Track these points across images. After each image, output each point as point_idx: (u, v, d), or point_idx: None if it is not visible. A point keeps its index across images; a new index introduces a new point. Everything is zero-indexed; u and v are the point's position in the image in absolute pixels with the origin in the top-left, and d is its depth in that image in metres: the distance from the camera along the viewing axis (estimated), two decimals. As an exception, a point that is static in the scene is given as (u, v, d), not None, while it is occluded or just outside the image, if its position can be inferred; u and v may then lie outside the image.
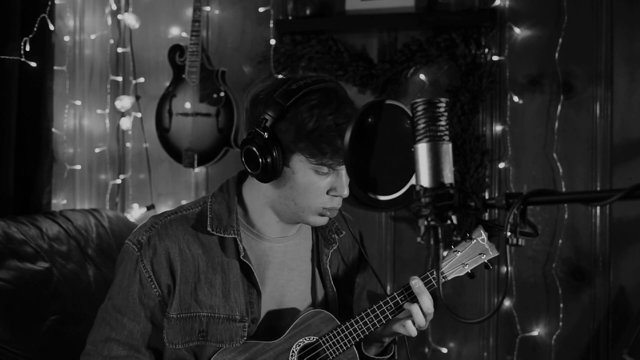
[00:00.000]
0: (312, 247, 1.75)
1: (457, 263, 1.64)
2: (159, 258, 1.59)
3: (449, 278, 1.64)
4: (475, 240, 1.63)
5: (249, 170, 1.56)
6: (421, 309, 1.60)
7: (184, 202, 2.45)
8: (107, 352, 1.59)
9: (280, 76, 2.85)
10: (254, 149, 1.52)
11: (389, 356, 1.75)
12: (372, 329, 1.64)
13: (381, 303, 1.63)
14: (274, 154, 1.51)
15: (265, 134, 1.51)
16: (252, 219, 1.66)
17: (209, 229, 1.61)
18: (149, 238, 1.60)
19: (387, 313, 1.63)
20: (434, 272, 1.64)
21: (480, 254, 1.63)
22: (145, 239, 1.60)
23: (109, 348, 1.59)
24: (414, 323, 1.61)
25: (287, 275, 1.69)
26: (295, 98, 1.50)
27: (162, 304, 1.60)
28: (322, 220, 1.61)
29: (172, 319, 1.59)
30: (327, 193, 1.56)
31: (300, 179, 1.54)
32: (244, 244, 1.62)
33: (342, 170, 1.55)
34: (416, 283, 1.60)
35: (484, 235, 1.63)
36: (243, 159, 1.56)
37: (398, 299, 1.63)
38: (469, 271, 1.64)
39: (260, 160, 1.52)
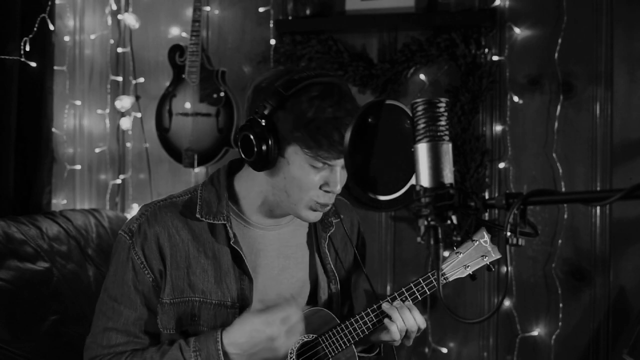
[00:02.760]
0: (309, 232, 1.75)
1: (458, 264, 1.63)
2: (150, 243, 1.60)
3: (450, 279, 1.64)
4: (477, 242, 1.63)
5: (244, 157, 1.55)
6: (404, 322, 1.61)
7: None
8: (106, 342, 1.60)
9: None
10: (251, 136, 1.51)
11: (374, 353, 1.76)
12: (372, 328, 1.64)
13: (381, 302, 1.64)
14: (270, 142, 1.51)
15: (263, 121, 1.51)
16: (244, 207, 1.65)
17: (197, 215, 1.61)
18: (140, 225, 1.61)
19: (387, 313, 1.63)
20: (435, 273, 1.64)
21: (482, 256, 1.63)
22: (136, 227, 1.62)
23: (108, 337, 1.60)
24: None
25: (283, 263, 1.69)
26: (296, 88, 1.50)
27: (156, 288, 1.61)
28: (315, 216, 1.60)
29: (165, 304, 1.60)
30: (320, 188, 1.55)
31: (294, 170, 1.53)
32: (234, 230, 1.63)
33: (337, 166, 1.54)
34: (388, 306, 1.62)
35: (486, 237, 1.63)
36: (239, 146, 1.55)
37: (399, 299, 1.63)
38: (470, 273, 1.64)
39: (255, 147, 1.51)
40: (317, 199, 1.56)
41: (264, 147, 1.51)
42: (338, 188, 1.56)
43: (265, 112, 1.51)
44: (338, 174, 1.55)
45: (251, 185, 1.63)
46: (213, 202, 1.63)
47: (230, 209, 1.65)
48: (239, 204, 1.66)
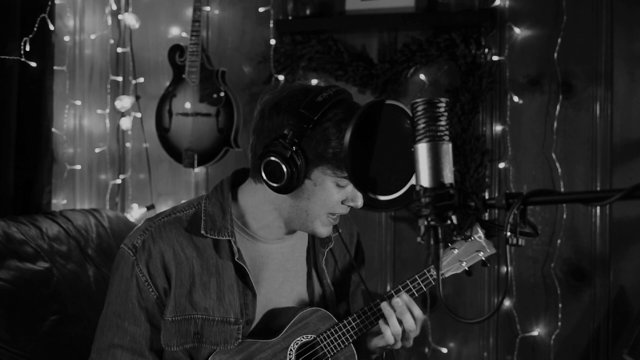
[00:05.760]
0: (308, 247, 1.74)
1: (454, 260, 1.64)
2: (154, 261, 1.59)
3: (446, 276, 1.65)
4: (472, 238, 1.62)
5: (269, 182, 1.52)
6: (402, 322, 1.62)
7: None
8: (111, 359, 1.59)
9: (282, 77, 2.84)
10: (279, 160, 1.49)
11: None
12: (370, 327, 1.64)
13: (378, 300, 1.64)
14: (300, 166, 1.50)
15: (294, 147, 1.49)
16: (249, 221, 1.64)
17: (202, 231, 1.60)
18: (144, 241, 1.60)
19: None
20: (431, 270, 1.64)
21: (477, 251, 1.63)
22: (140, 243, 1.60)
23: (113, 355, 1.59)
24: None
25: (283, 277, 1.69)
26: (322, 112, 1.49)
27: (160, 305, 1.60)
28: (328, 230, 1.62)
29: (167, 322, 1.59)
30: (342, 203, 1.57)
31: (320, 191, 1.54)
32: (238, 245, 1.62)
33: None
34: (386, 306, 1.62)
35: (480, 233, 1.63)
36: (263, 170, 1.52)
37: (396, 296, 1.63)
38: (466, 268, 1.64)
39: (285, 172, 1.49)
40: (336, 212, 1.58)
41: (294, 171, 1.50)
42: (360, 202, 1.57)
43: (294, 138, 1.49)
44: None
45: (260, 202, 1.62)
46: (217, 217, 1.62)
47: (235, 222, 1.64)
48: (244, 217, 1.65)
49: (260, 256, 1.66)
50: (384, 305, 1.61)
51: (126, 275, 1.60)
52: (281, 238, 1.68)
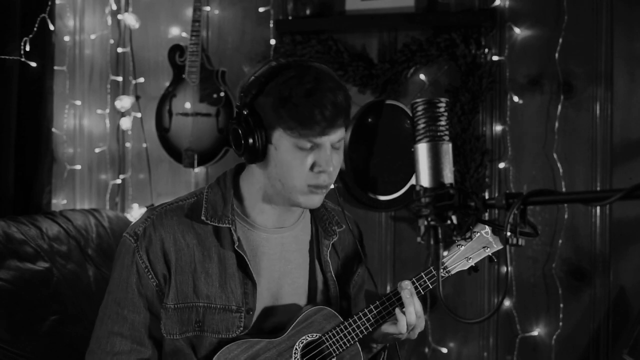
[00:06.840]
0: (312, 239, 1.74)
1: (460, 257, 1.63)
2: (154, 248, 1.60)
3: (452, 272, 1.64)
4: (478, 234, 1.62)
5: (235, 150, 1.57)
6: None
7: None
8: (110, 348, 1.60)
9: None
10: (238, 129, 1.54)
11: None
12: (375, 325, 1.64)
13: (384, 299, 1.64)
14: (255, 130, 1.53)
15: (245, 110, 1.53)
16: (248, 208, 1.65)
17: (202, 217, 1.61)
18: (145, 229, 1.61)
19: (391, 309, 1.63)
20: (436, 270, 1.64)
21: (484, 247, 1.63)
22: (141, 230, 1.61)
23: (112, 343, 1.60)
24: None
25: (284, 268, 1.69)
26: (274, 74, 1.53)
27: (160, 293, 1.61)
28: (314, 200, 1.59)
29: (169, 309, 1.60)
30: (312, 169, 1.54)
31: (283, 155, 1.53)
32: (238, 234, 1.62)
33: (325, 143, 1.54)
34: (407, 290, 1.61)
35: (487, 229, 1.62)
36: (231, 141, 1.58)
37: (407, 289, 1.63)
38: (473, 265, 1.64)
39: (242, 138, 1.53)
40: (309, 182, 1.55)
41: (250, 137, 1.53)
42: (330, 168, 1.54)
43: (247, 101, 1.54)
44: (327, 151, 1.54)
45: (252, 183, 1.64)
46: (219, 205, 1.63)
47: (235, 211, 1.65)
48: (244, 205, 1.66)
49: (260, 246, 1.66)
50: (405, 294, 1.60)
51: (127, 263, 1.61)
52: (281, 227, 1.68)
